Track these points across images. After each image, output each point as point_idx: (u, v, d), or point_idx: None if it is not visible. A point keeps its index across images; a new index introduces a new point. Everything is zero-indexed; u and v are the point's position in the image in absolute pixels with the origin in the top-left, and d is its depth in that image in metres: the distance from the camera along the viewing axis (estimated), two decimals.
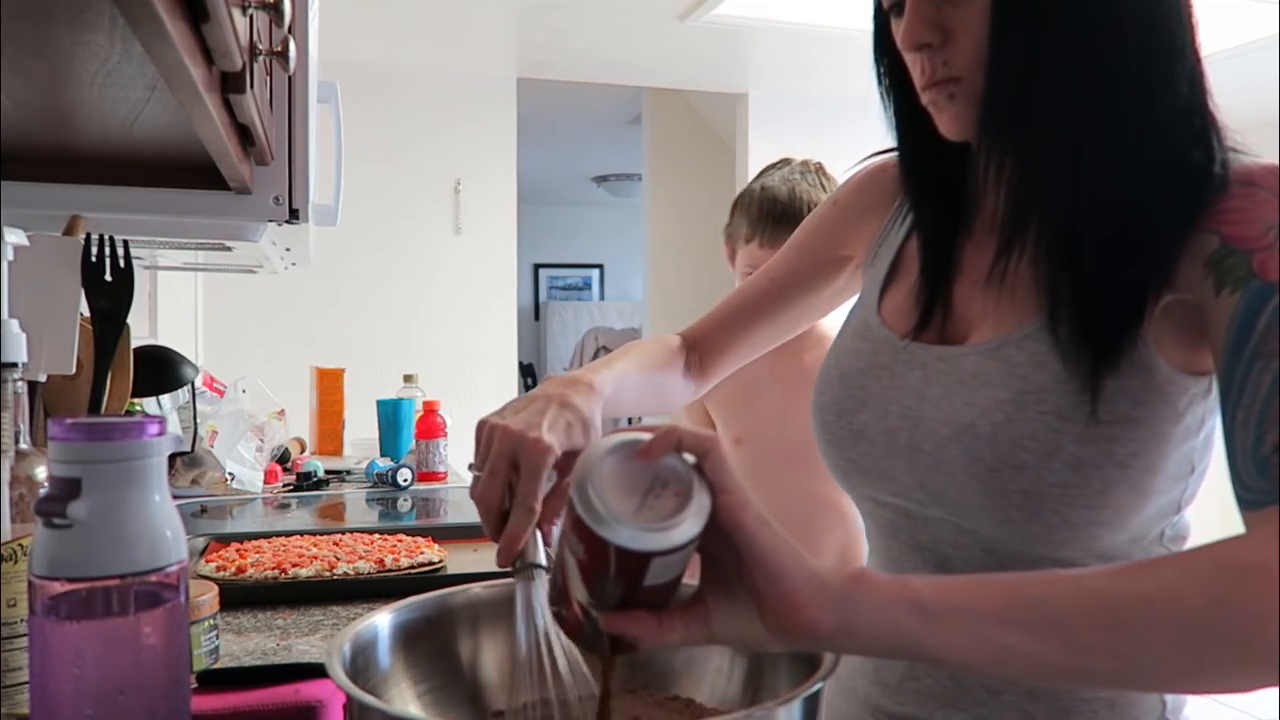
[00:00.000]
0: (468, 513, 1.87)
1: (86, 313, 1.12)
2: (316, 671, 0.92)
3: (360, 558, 1.32)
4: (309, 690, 0.91)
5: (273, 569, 1.28)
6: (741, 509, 0.55)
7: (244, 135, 0.98)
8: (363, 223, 3.73)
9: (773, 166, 1.63)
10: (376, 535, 1.45)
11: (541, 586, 0.65)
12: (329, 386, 2.68)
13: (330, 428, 2.66)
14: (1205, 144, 0.71)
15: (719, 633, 0.57)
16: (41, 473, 0.73)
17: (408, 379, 2.69)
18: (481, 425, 0.69)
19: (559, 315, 8.48)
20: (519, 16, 3.49)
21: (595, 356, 7.34)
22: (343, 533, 1.47)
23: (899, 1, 0.76)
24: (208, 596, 0.97)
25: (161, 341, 2.13)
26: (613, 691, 0.63)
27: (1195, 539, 0.75)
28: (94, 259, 1.09)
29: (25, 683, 0.71)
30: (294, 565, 1.29)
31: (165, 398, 1.83)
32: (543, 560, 0.66)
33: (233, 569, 1.28)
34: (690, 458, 0.56)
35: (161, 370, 1.61)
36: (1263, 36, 3.34)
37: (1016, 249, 0.75)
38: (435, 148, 4.07)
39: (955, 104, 0.75)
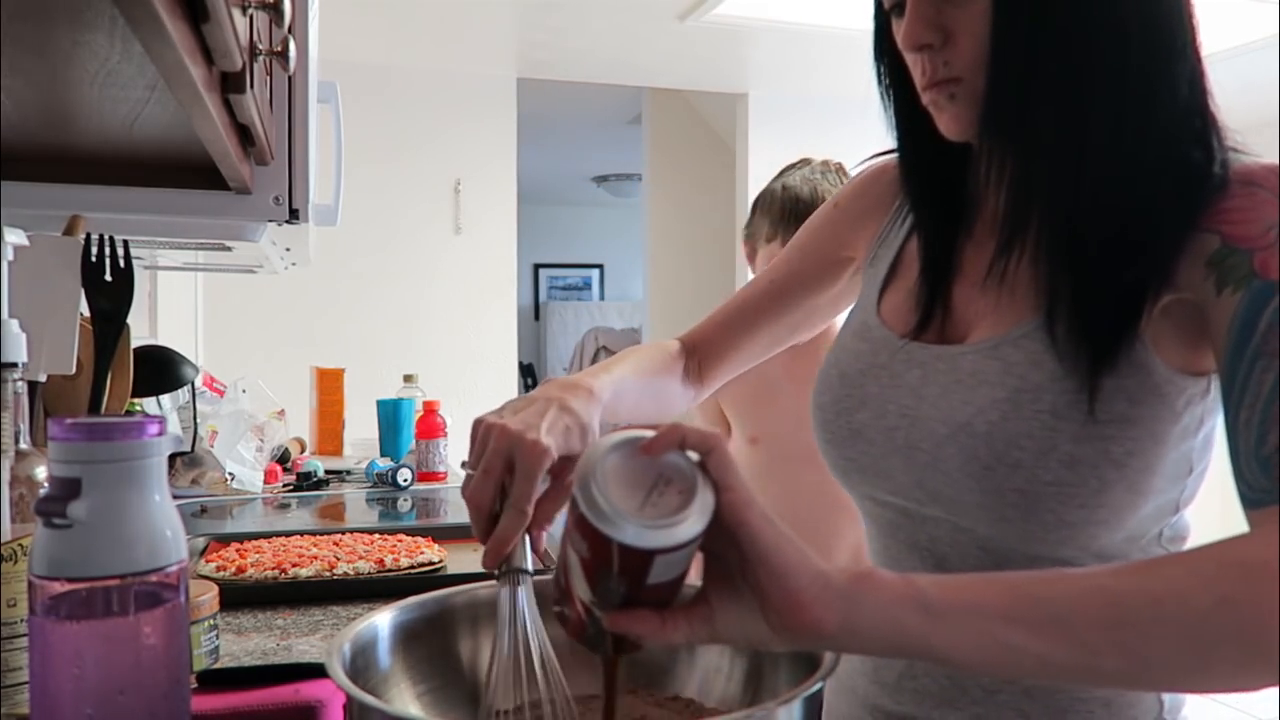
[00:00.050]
0: (467, 513, 1.86)
1: (86, 313, 1.12)
2: (316, 671, 0.92)
3: (360, 558, 1.32)
4: (309, 690, 0.91)
5: (273, 569, 1.28)
6: (745, 507, 0.55)
7: (244, 135, 0.98)
8: (363, 223, 3.73)
9: (793, 166, 1.63)
10: (376, 535, 1.45)
11: (526, 592, 0.64)
12: (329, 386, 2.68)
13: (330, 428, 2.66)
14: (1205, 144, 0.71)
15: (722, 632, 0.57)
16: (41, 473, 0.73)
17: (408, 379, 2.69)
18: (478, 424, 0.68)
19: (559, 315, 8.48)
20: (519, 16, 3.49)
21: (595, 356, 7.34)
22: (343, 533, 1.47)
23: (900, 2, 0.76)
24: (208, 596, 0.97)
25: (161, 341, 2.13)
26: (615, 692, 0.63)
27: (1195, 539, 0.75)
28: (94, 259, 1.09)
29: (25, 683, 0.71)
30: (294, 565, 1.29)
31: (165, 398, 1.83)
32: (530, 566, 0.64)
33: (233, 569, 1.28)
34: (694, 455, 0.56)
35: (161, 370, 1.61)
36: (1263, 36, 3.34)
37: (1016, 248, 0.75)
38: (435, 148, 4.07)
39: (956, 104, 0.75)
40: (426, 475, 2.27)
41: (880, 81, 0.84)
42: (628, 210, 7.41)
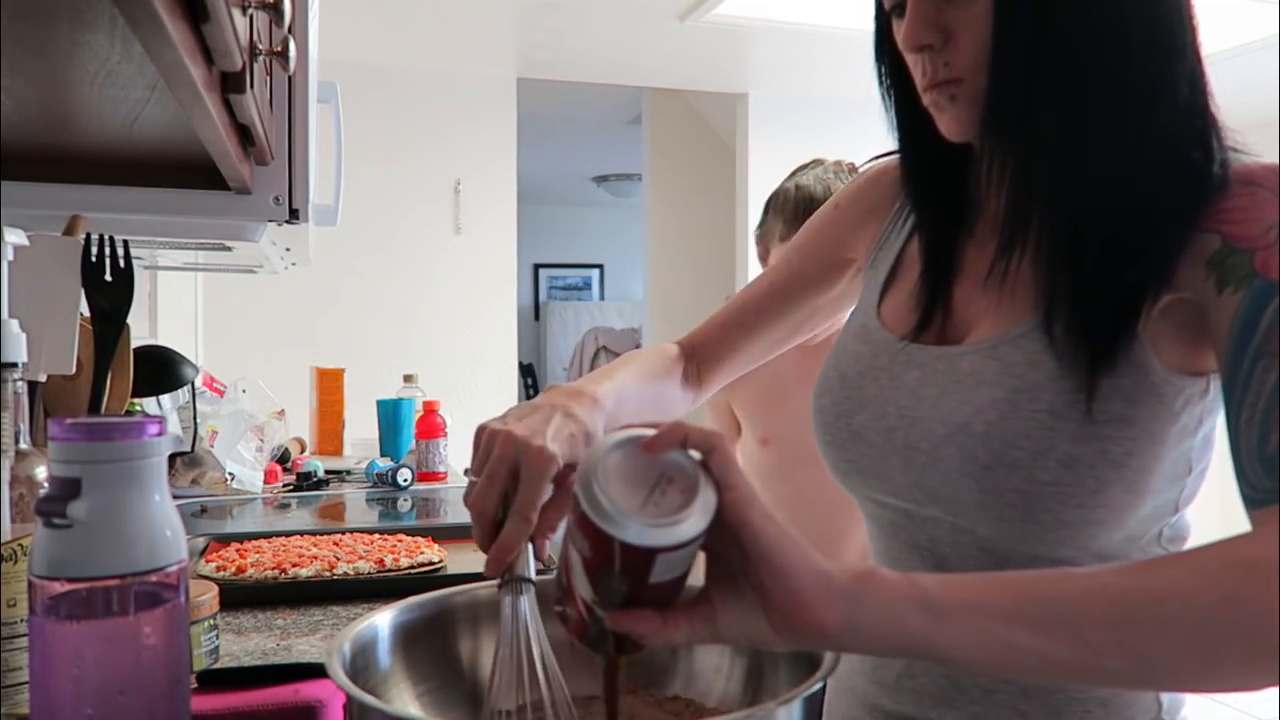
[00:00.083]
0: (467, 513, 1.87)
1: (86, 313, 1.12)
2: (316, 671, 0.92)
3: (360, 558, 1.32)
4: (309, 690, 0.91)
5: (273, 569, 1.28)
6: (748, 506, 0.55)
7: (244, 135, 0.98)
8: (363, 223, 3.73)
9: (805, 166, 1.63)
10: (376, 535, 1.45)
11: (529, 602, 0.63)
12: (329, 386, 2.68)
13: (330, 428, 2.66)
14: (1205, 144, 0.71)
15: (724, 631, 0.57)
16: (41, 473, 0.73)
17: (408, 379, 2.69)
18: (481, 430, 0.68)
19: (559, 315, 8.48)
20: (519, 16, 3.49)
21: (595, 356, 7.34)
22: (343, 533, 1.47)
23: (900, 2, 0.76)
24: (208, 596, 0.97)
25: (161, 341, 2.13)
26: (616, 692, 0.63)
27: (1195, 539, 0.75)
28: (94, 259, 1.09)
29: (25, 683, 0.71)
30: (294, 565, 1.29)
31: (165, 398, 1.83)
32: (532, 574, 0.64)
33: (233, 569, 1.28)
34: (696, 454, 0.56)
35: (161, 370, 1.61)
36: (1263, 36, 3.34)
37: (1017, 249, 0.75)
38: (435, 148, 4.07)
39: (956, 105, 0.75)
40: (426, 475, 2.27)
41: (881, 82, 0.84)
42: (628, 210, 7.41)
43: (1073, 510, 0.71)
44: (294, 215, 1.25)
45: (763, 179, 4.38)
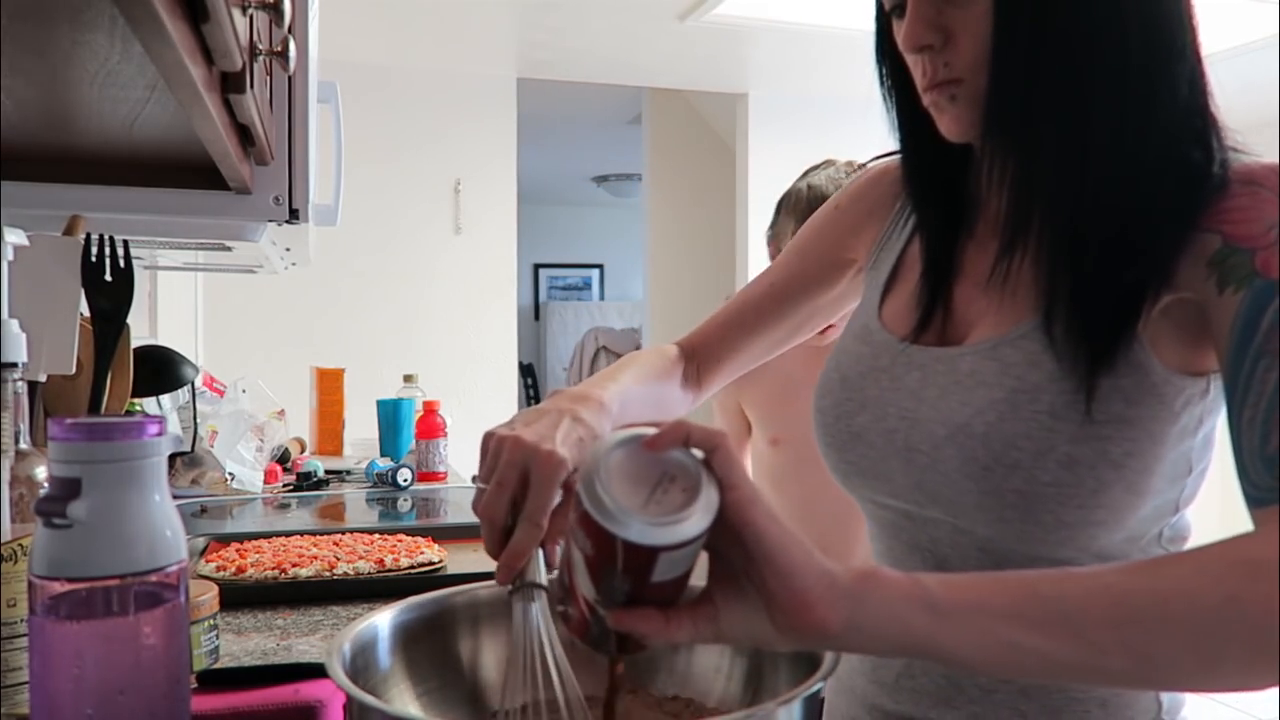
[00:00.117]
0: (468, 513, 1.87)
1: (86, 313, 1.12)
2: (316, 671, 0.92)
3: (360, 558, 1.32)
4: (309, 690, 0.91)
5: (273, 569, 1.28)
6: (750, 505, 0.55)
7: (244, 135, 0.98)
8: (363, 223, 3.73)
9: (817, 167, 1.63)
10: (376, 535, 1.45)
11: (540, 608, 0.63)
12: (329, 386, 2.68)
13: (330, 428, 2.66)
14: (1205, 144, 0.71)
15: (727, 631, 0.57)
16: (41, 473, 0.73)
17: (408, 379, 2.69)
18: (489, 437, 0.67)
19: (559, 315, 8.48)
20: (519, 16, 3.49)
21: (595, 356, 7.34)
22: (343, 533, 1.46)
23: (900, 3, 0.76)
24: (208, 596, 0.97)
25: (161, 341, 2.13)
26: (617, 692, 0.63)
27: (1195, 539, 0.75)
28: (94, 259, 1.09)
29: (25, 683, 0.71)
30: (294, 565, 1.29)
31: (165, 398, 1.83)
32: (543, 580, 0.64)
33: (233, 569, 1.28)
34: (698, 453, 0.56)
35: (161, 370, 1.61)
36: (1263, 36, 3.35)
37: (1019, 249, 0.75)
38: (435, 148, 4.07)
39: (957, 105, 0.75)
40: (426, 475, 2.27)
41: (882, 83, 0.84)
42: (628, 210, 7.41)
43: (1073, 511, 0.71)
44: (294, 215, 1.25)
45: (763, 179, 4.38)
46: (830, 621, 0.54)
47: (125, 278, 1.12)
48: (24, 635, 0.71)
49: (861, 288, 0.95)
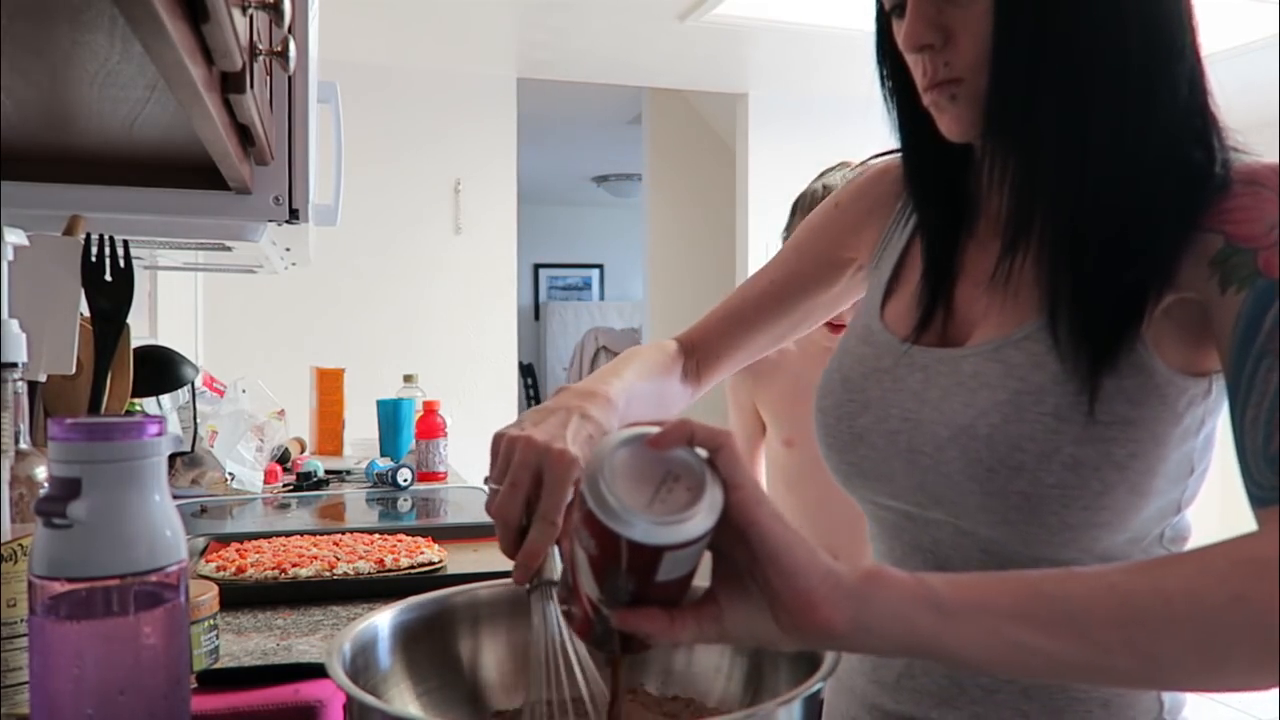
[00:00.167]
0: (468, 513, 1.88)
1: (86, 313, 1.12)
2: (316, 671, 0.92)
3: (360, 558, 1.32)
4: (309, 690, 0.91)
5: (273, 569, 1.28)
6: (755, 505, 0.54)
7: (244, 135, 0.98)
8: (363, 223, 3.73)
9: (832, 169, 1.63)
10: (376, 535, 1.44)
11: (558, 604, 0.63)
12: (329, 386, 2.68)
13: (330, 428, 2.66)
14: (1206, 144, 0.71)
15: (731, 631, 0.57)
16: (41, 473, 0.73)
17: (408, 379, 2.69)
18: (499, 438, 0.67)
19: (559, 315, 8.48)
20: (519, 16, 3.49)
21: (595, 356, 7.34)
22: (343, 533, 1.46)
23: (900, 2, 0.76)
24: (208, 596, 0.97)
25: (161, 341, 2.13)
26: (619, 691, 0.63)
27: (1195, 539, 0.75)
28: (94, 259, 1.09)
29: (25, 683, 0.71)
30: (294, 565, 1.29)
31: (165, 398, 1.83)
32: (560, 576, 0.64)
33: (233, 569, 1.28)
34: (702, 452, 0.56)
35: (161, 370, 1.61)
36: (1263, 36, 3.35)
37: (1020, 249, 0.75)
38: (435, 148, 4.07)
39: (957, 105, 0.75)
40: (426, 475, 2.27)
41: (883, 83, 0.84)
42: (628, 210, 7.41)
43: (1077, 513, 0.71)
44: (294, 215, 1.24)
45: (763, 179, 4.38)
46: (835, 621, 0.54)
47: (125, 278, 1.12)
48: (24, 635, 0.71)
49: (862, 284, 0.95)
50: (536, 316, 8.52)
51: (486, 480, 0.68)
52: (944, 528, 0.78)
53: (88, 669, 0.57)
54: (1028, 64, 0.71)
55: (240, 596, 1.23)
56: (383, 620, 0.70)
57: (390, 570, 1.31)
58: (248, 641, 1.11)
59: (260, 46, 0.86)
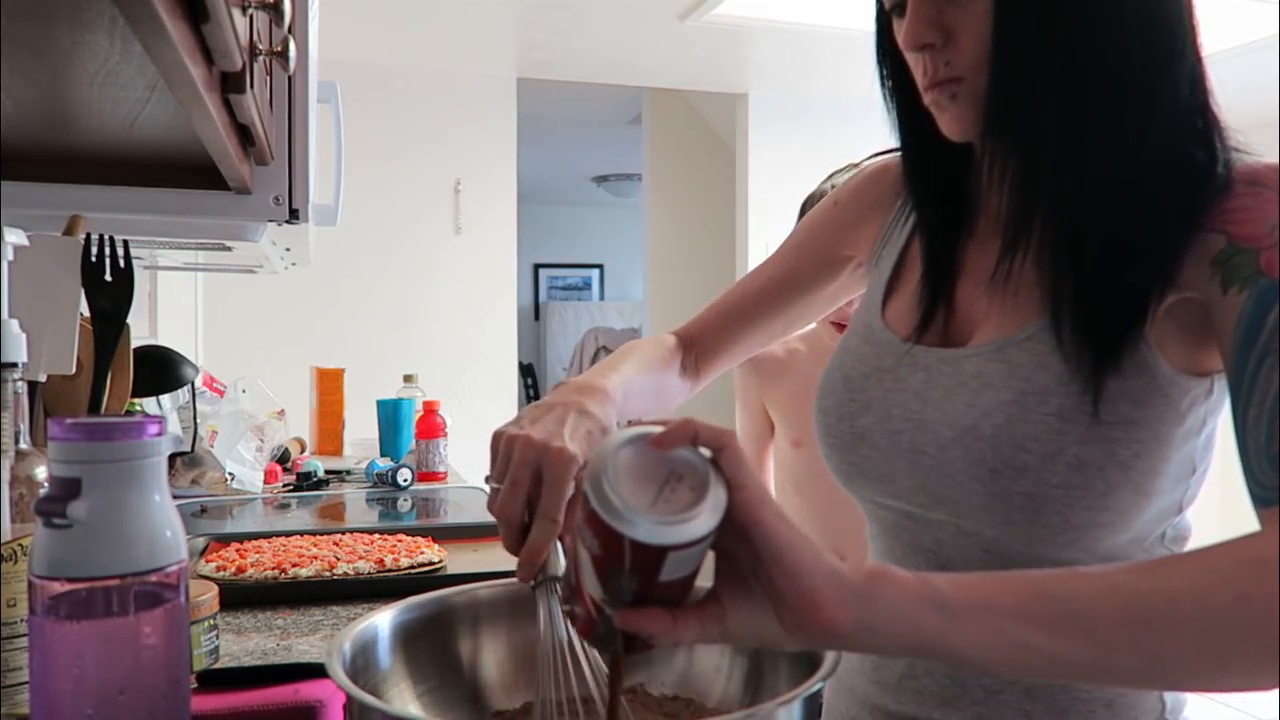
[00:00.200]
0: (468, 513, 1.88)
1: (86, 313, 1.12)
2: (316, 671, 0.92)
3: (360, 558, 1.32)
4: (309, 690, 0.91)
5: (273, 569, 1.28)
6: (759, 505, 0.54)
7: (244, 135, 0.98)
8: (363, 223, 3.73)
9: (840, 170, 1.64)
10: (376, 535, 1.44)
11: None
12: (329, 386, 2.68)
13: (330, 428, 2.66)
14: (1208, 144, 0.71)
15: (735, 631, 0.57)
16: (41, 473, 0.73)
17: (408, 379, 2.69)
18: (498, 437, 0.68)
19: (559, 315, 8.48)
20: (519, 16, 3.49)
21: (595, 356, 7.33)
22: (343, 533, 1.46)
23: (900, 2, 0.76)
24: (208, 596, 0.97)
25: (161, 341, 2.13)
26: (620, 691, 0.63)
27: (1195, 539, 0.75)
28: (94, 259, 1.09)
29: (25, 683, 0.71)
30: (294, 565, 1.29)
31: (165, 398, 1.83)
32: (564, 572, 0.65)
33: (233, 569, 1.28)
34: (706, 452, 0.56)
35: (161, 370, 1.61)
36: (1263, 36, 3.35)
37: (1020, 249, 0.75)
38: (435, 148, 4.07)
39: (957, 104, 0.75)
40: (426, 475, 2.27)
41: (883, 83, 0.84)
42: (628, 210, 7.41)
43: (1081, 513, 0.71)
44: (294, 215, 1.24)
45: (763, 179, 4.38)
46: (840, 621, 0.54)
47: (125, 278, 1.12)
48: (24, 635, 0.71)
49: (861, 281, 0.95)
50: (536, 316, 8.52)
51: (487, 479, 0.69)
52: (946, 528, 0.77)
53: (88, 669, 0.57)
54: (1027, 63, 0.71)
55: (240, 596, 1.23)
56: (383, 620, 0.70)
57: (390, 570, 1.31)
58: (248, 641, 1.11)
59: (260, 46, 0.86)
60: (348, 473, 2.29)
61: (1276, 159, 0.71)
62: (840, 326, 1.48)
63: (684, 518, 0.53)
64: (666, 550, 0.53)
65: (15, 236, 0.96)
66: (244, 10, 0.75)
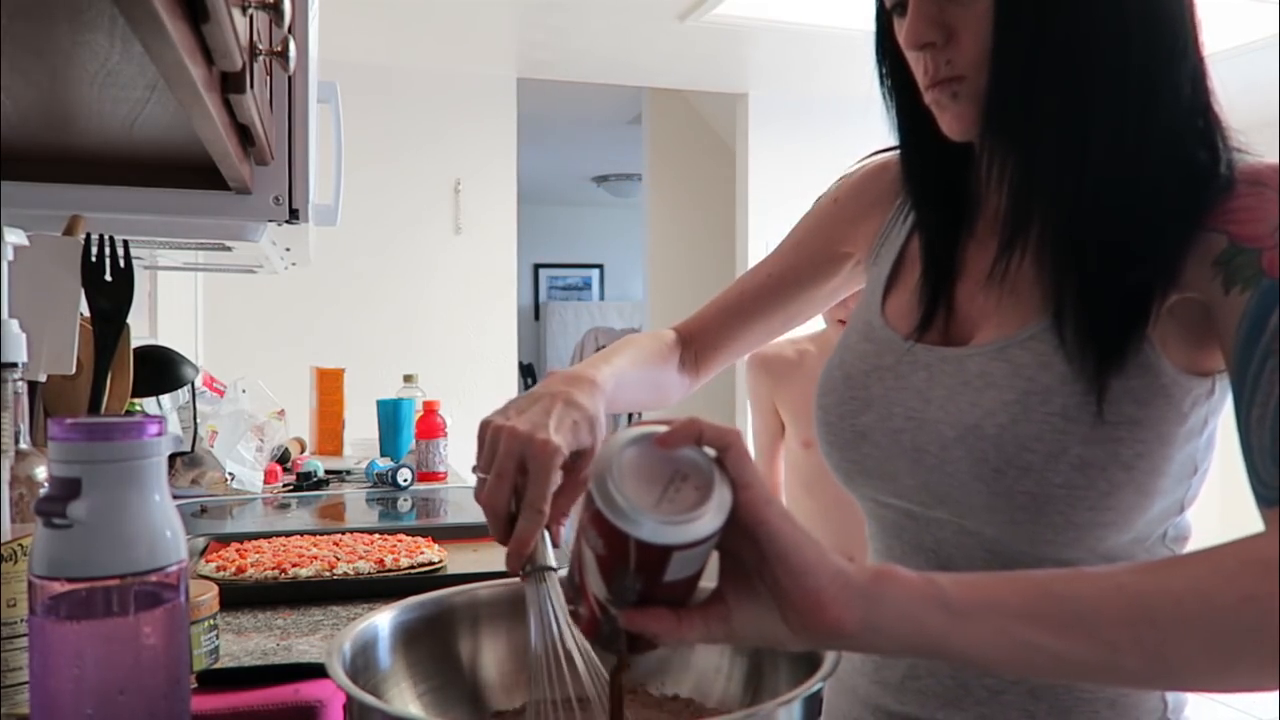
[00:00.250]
0: (468, 513, 1.88)
1: (86, 313, 1.12)
2: (316, 671, 0.92)
3: (360, 558, 1.32)
4: (309, 690, 0.91)
5: (273, 569, 1.28)
6: (764, 505, 0.54)
7: (244, 135, 0.98)
8: (363, 223, 3.73)
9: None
10: (376, 535, 1.45)
11: (553, 588, 0.64)
12: (329, 386, 2.68)
13: (330, 428, 2.66)
14: (1210, 144, 0.71)
15: (740, 631, 0.57)
16: (41, 473, 0.73)
17: (408, 379, 2.69)
18: (485, 426, 0.68)
19: (559, 315, 8.48)
20: (519, 16, 3.49)
21: None
22: (343, 533, 1.47)
23: (901, 1, 0.76)
24: (208, 596, 0.97)
25: (161, 341, 2.13)
26: (622, 691, 0.63)
27: (1196, 539, 0.75)
28: (94, 259, 1.09)
29: (25, 683, 0.71)
30: (294, 565, 1.29)
31: (165, 398, 1.83)
32: (552, 562, 0.65)
33: (233, 569, 1.28)
34: (711, 451, 0.56)
35: (161, 370, 1.61)
36: (1263, 36, 3.35)
37: (1017, 248, 0.75)
38: (435, 148, 4.07)
39: (958, 103, 0.75)
40: (426, 475, 2.27)
41: (882, 82, 0.84)
42: (628, 210, 7.41)
43: (1083, 513, 0.71)
44: (294, 215, 1.24)
45: (763, 179, 4.38)
46: (845, 621, 0.54)
47: (125, 278, 1.12)
48: (24, 635, 0.71)
49: (860, 278, 0.95)
50: (536, 316, 8.52)
51: (474, 468, 0.69)
52: (947, 527, 0.77)
53: (88, 669, 0.57)
54: (1028, 62, 0.71)
55: (240, 596, 1.23)
56: (383, 620, 0.70)
57: (390, 570, 1.31)
58: (248, 641, 1.11)
59: (260, 46, 0.86)
60: (348, 473, 2.29)
61: (1277, 159, 0.71)
62: None
63: (689, 517, 0.52)
64: (671, 550, 0.53)
65: (15, 236, 0.96)
66: (244, 10, 0.75)
